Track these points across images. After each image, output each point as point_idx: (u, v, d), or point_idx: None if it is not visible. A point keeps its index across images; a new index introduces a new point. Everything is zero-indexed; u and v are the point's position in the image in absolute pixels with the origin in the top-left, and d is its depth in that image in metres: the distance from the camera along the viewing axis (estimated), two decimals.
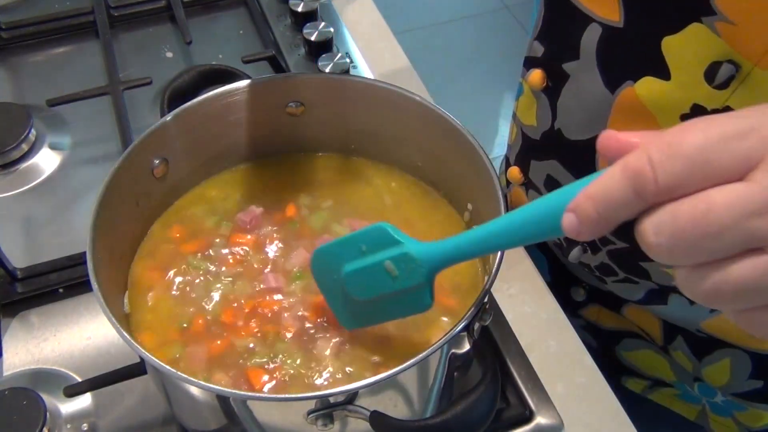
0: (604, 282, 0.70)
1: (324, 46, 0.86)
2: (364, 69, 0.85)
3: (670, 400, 0.78)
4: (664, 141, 0.30)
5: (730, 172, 0.29)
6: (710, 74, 0.49)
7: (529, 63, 0.64)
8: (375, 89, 0.60)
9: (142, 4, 0.94)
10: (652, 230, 0.30)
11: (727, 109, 0.50)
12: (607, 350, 0.79)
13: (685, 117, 0.51)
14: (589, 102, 0.58)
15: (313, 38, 0.85)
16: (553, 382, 0.63)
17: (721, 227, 0.29)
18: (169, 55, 0.90)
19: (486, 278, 0.48)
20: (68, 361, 0.63)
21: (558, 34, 0.60)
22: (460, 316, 0.45)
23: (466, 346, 0.48)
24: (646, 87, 0.53)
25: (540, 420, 0.60)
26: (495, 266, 0.48)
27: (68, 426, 0.59)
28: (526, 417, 0.60)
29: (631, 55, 0.53)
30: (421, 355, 0.43)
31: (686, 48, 0.49)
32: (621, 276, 0.67)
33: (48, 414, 0.57)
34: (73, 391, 0.57)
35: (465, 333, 0.47)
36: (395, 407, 0.48)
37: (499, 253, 0.48)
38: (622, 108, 0.56)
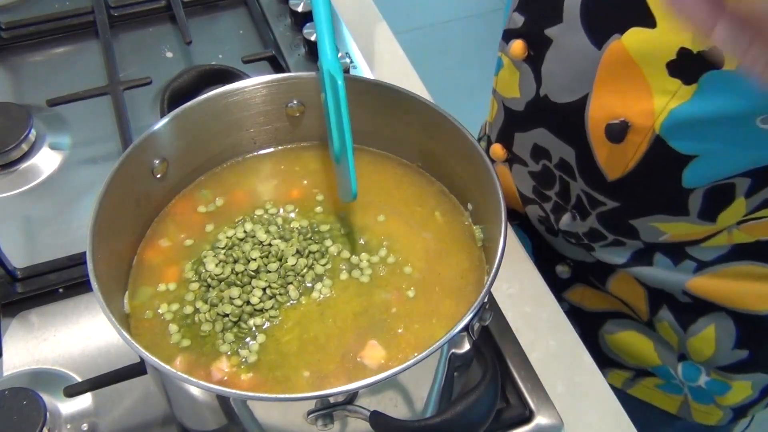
0: (591, 249, 0.71)
1: None
2: (364, 69, 0.85)
3: (651, 393, 0.79)
4: None
5: None
6: None
7: (509, 35, 0.66)
8: (375, 89, 0.60)
9: (142, 4, 0.94)
10: None
11: (713, 49, 0.51)
12: (590, 337, 0.79)
13: (671, 64, 0.53)
14: (575, 63, 0.59)
15: (313, 38, 0.85)
16: (553, 382, 0.63)
17: None
18: (169, 55, 0.90)
19: (486, 278, 0.48)
20: (68, 361, 0.63)
21: (539, 1, 0.62)
22: (460, 317, 0.46)
23: (466, 346, 0.48)
24: (634, 37, 0.54)
25: (540, 420, 0.60)
26: (495, 266, 0.48)
27: (68, 426, 0.59)
28: (526, 417, 0.60)
29: (616, 8, 0.55)
30: (421, 355, 0.43)
31: None
32: (609, 239, 0.68)
33: (48, 414, 0.57)
34: (73, 391, 0.57)
35: (465, 333, 0.47)
36: (395, 407, 0.48)
37: (499, 254, 0.48)
38: (609, 63, 0.57)
